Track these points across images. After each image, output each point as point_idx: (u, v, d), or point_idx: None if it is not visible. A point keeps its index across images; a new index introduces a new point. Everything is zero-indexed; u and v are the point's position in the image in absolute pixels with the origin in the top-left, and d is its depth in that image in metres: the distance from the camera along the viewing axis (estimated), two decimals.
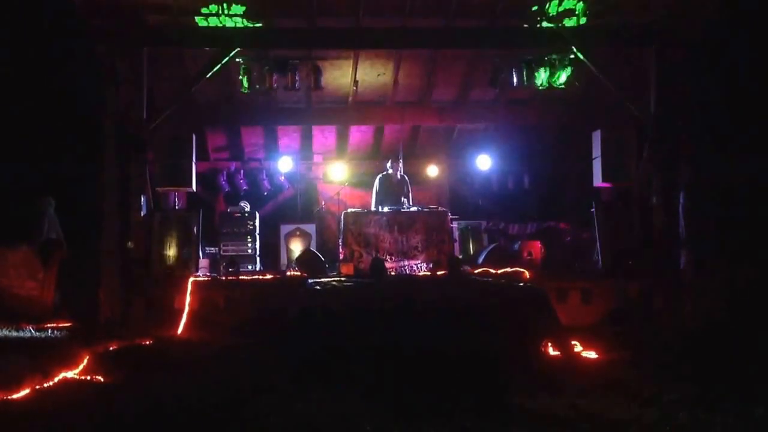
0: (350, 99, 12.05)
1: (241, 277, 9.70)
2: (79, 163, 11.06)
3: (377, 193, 10.93)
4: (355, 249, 10.16)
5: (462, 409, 5.50)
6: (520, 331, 7.53)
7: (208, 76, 10.12)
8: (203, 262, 10.48)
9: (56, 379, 6.36)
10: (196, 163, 10.53)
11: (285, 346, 7.28)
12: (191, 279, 9.30)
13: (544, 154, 13.51)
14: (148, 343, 8.18)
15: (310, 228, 11.87)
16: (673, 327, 9.05)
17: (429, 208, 10.66)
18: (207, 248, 11.24)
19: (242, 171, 13.19)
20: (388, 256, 10.08)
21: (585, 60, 10.10)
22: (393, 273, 9.91)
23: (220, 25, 9.91)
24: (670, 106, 9.97)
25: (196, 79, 10.26)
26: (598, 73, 10.15)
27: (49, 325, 8.50)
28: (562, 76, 10.61)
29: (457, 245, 11.42)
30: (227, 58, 10.07)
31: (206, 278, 9.64)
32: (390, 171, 11.02)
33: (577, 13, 9.99)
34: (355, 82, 11.55)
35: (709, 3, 9.69)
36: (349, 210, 10.67)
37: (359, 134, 13.30)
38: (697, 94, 10.03)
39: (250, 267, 11.07)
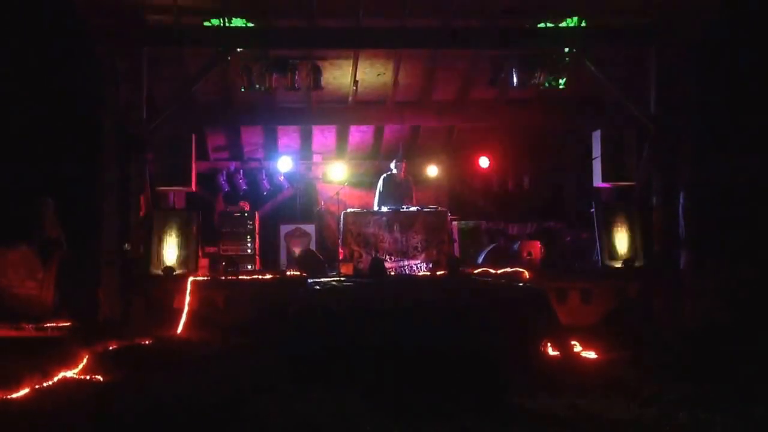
0: (350, 99, 12.04)
1: (240, 277, 9.70)
2: (79, 163, 11.06)
3: (380, 194, 10.91)
4: (354, 249, 10.15)
5: (462, 409, 5.50)
6: (519, 331, 7.52)
7: (207, 76, 10.11)
8: (203, 262, 10.48)
9: (56, 379, 6.38)
10: (195, 163, 10.52)
11: (284, 346, 7.28)
12: (191, 279, 9.30)
13: (544, 154, 13.51)
14: (147, 342, 8.19)
15: (310, 228, 11.87)
16: (673, 327, 9.05)
17: (429, 208, 10.65)
18: (206, 248, 11.24)
19: (242, 171, 13.18)
20: (387, 256, 10.07)
21: (585, 60, 10.10)
22: (392, 273, 9.91)
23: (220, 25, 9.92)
24: (670, 106, 9.97)
25: (196, 79, 10.27)
26: (598, 73, 10.15)
27: (48, 325, 8.50)
28: (562, 76, 10.61)
29: (456, 245, 11.42)
30: (227, 58, 10.08)
31: (206, 278, 9.63)
32: (394, 171, 11.01)
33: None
34: (355, 82, 11.54)
35: (709, 3, 9.70)
36: (349, 210, 10.66)
37: (359, 134, 13.29)
38: (697, 94, 10.02)
39: (249, 267, 11.07)
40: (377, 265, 9.48)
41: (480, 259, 10.70)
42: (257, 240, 11.59)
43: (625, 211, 10.28)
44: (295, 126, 12.98)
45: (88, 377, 6.60)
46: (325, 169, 13.46)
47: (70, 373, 6.59)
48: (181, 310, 9.00)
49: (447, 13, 10.05)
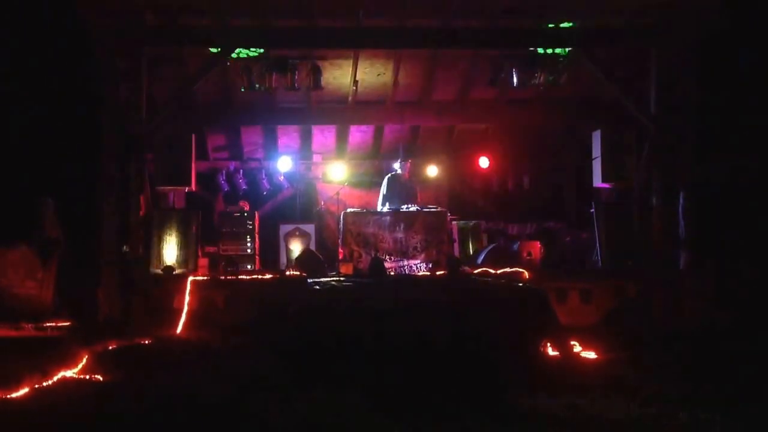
0: (350, 99, 12.04)
1: (240, 277, 9.70)
2: (79, 163, 11.05)
3: (385, 194, 10.89)
4: (354, 249, 10.16)
5: (462, 409, 5.50)
6: (519, 331, 7.53)
7: (207, 76, 10.10)
8: (202, 262, 10.48)
9: (55, 379, 6.37)
10: (195, 163, 10.51)
11: (284, 345, 7.28)
12: (190, 278, 9.29)
13: (544, 154, 13.51)
14: (147, 342, 8.17)
15: (310, 228, 11.86)
16: (673, 327, 9.04)
17: (428, 208, 10.65)
18: (206, 248, 11.23)
19: (241, 171, 13.18)
20: (387, 256, 10.07)
21: (585, 60, 10.10)
22: (392, 273, 9.91)
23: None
24: (670, 106, 9.97)
25: (195, 79, 10.26)
26: (598, 73, 10.15)
27: (48, 325, 8.49)
28: (562, 76, 10.61)
29: (456, 245, 11.42)
30: (227, 58, 10.07)
31: (205, 278, 9.63)
32: (399, 171, 10.97)
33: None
34: (355, 82, 11.54)
35: (709, 3, 9.69)
36: (349, 210, 10.66)
37: (359, 134, 13.30)
38: (697, 94, 10.02)
39: (249, 267, 11.07)
40: (377, 264, 9.49)
41: (480, 259, 10.69)
42: (257, 240, 11.58)
43: (625, 211, 10.28)
44: (295, 126, 12.99)
45: (87, 377, 6.59)
46: (324, 169, 13.46)
47: (69, 373, 6.58)
48: (181, 310, 8.99)
49: (447, 13, 10.04)
